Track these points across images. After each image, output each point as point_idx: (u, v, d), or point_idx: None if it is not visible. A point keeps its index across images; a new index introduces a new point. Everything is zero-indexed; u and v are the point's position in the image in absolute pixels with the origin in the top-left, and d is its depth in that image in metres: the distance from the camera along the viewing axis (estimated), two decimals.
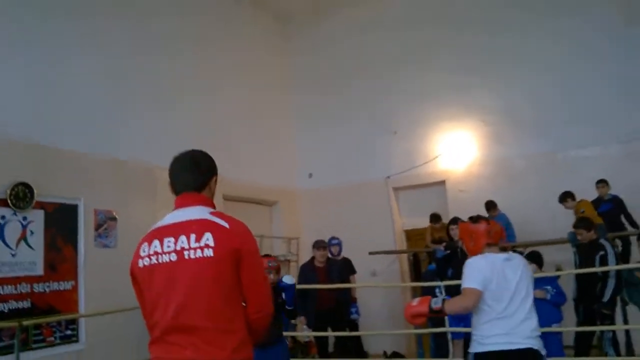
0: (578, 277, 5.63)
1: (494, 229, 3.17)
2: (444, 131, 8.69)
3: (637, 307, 5.59)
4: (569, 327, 5.52)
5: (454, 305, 2.96)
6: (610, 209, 6.84)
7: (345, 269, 6.74)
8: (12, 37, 5.29)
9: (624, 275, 5.38)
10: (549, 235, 7.13)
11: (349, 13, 9.58)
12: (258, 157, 8.52)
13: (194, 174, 1.99)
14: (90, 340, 5.40)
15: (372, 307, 7.65)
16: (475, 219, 3.24)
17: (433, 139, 8.78)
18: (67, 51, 5.78)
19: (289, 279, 4.15)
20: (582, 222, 5.69)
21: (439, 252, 6.24)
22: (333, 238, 6.93)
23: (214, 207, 1.99)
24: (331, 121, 9.39)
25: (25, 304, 4.97)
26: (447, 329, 5.30)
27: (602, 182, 6.99)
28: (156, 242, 1.88)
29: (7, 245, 4.94)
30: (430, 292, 5.72)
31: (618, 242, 6.64)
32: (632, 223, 6.79)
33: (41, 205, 5.25)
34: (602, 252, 5.34)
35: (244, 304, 1.90)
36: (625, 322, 5.75)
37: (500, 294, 2.87)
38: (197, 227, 1.85)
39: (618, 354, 5.23)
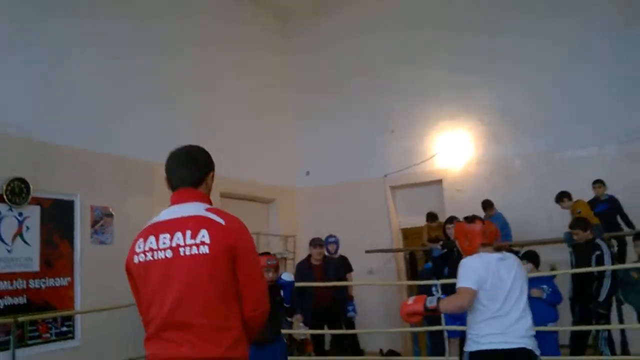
0: (574, 276, 5.64)
1: (489, 229, 3.18)
2: (441, 130, 8.70)
3: (633, 306, 5.61)
4: (564, 326, 5.53)
5: (448, 304, 2.98)
6: (606, 209, 6.85)
7: (341, 267, 6.74)
8: (12, 35, 5.28)
9: (620, 275, 5.39)
10: (545, 235, 7.14)
11: (348, 12, 9.57)
12: (256, 155, 8.52)
13: (190, 169, 1.98)
14: (86, 337, 5.39)
15: (368, 305, 7.66)
16: (470, 219, 3.25)
17: (430, 138, 8.78)
18: (65, 48, 5.77)
19: (287, 276, 4.14)
20: (578, 223, 5.70)
21: (435, 251, 6.25)
22: (330, 236, 6.93)
23: (210, 203, 1.98)
24: (329, 120, 9.39)
25: (21, 300, 4.96)
26: (444, 327, 5.31)
27: (598, 183, 7.00)
28: (152, 239, 1.87)
29: (3, 241, 4.93)
30: (426, 290, 5.72)
31: (614, 242, 6.66)
32: (628, 223, 6.81)
33: (37, 201, 5.24)
34: (598, 252, 5.35)
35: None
36: (621, 321, 5.78)
37: (495, 293, 2.88)
38: (193, 224, 1.84)
39: (613, 354, 5.25)
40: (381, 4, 9.34)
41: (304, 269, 6.36)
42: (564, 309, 5.55)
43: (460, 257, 3.24)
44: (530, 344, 2.86)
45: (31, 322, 4.97)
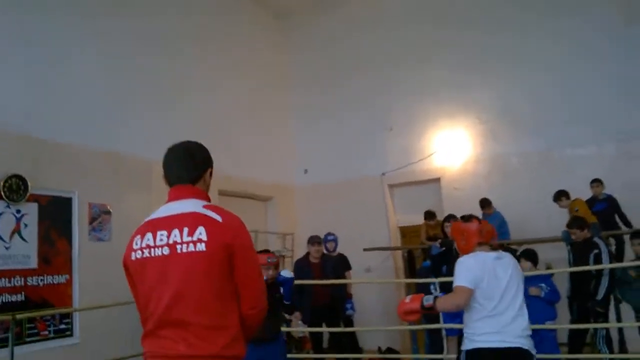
0: (572, 275, 5.66)
1: (486, 228, 3.21)
2: (439, 128, 8.71)
3: (631, 305, 5.62)
4: (563, 324, 5.55)
5: (445, 303, 3.00)
6: (604, 208, 6.87)
7: (340, 265, 6.73)
8: (12, 33, 5.25)
9: (617, 274, 5.40)
10: (543, 233, 7.16)
11: (347, 10, 9.57)
12: (254, 153, 8.52)
13: (188, 165, 1.96)
14: (85, 335, 5.38)
15: (366, 303, 7.67)
16: (467, 218, 3.29)
17: (429, 136, 8.79)
18: (65, 46, 5.75)
19: (287, 273, 4.14)
20: (575, 222, 5.71)
21: (434, 249, 6.25)
22: (329, 234, 6.93)
23: (208, 199, 1.97)
24: (328, 118, 9.40)
25: (19, 297, 4.94)
26: (442, 325, 5.31)
27: (596, 182, 7.01)
28: (149, 235, 1.86)
29: (1, 238, 4.90)
30: (424, 288, 5.73)
31: (612, 241, 6.67)
32: (626, 223, 6.82)
33: (35, 198, 5.22)
34: (596, 251, 5.36)
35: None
36: (619, 320, 5.80)
37: (491, 292, 2.90)
38: (190, 221, 1.82)
39: (611, 352, 5.26)
40: (380, 3, 9.35)
41: (303, 267, 6.36)
42: (562, 308, 5.57)
43: (458, 255, 3.25)
44: (527, 344, 2.88)
45: (29, 320, 4.94)
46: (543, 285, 5.19)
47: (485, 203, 7.56)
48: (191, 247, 1.79)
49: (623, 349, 5.82)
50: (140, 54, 6.64)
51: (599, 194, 6.99)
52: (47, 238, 5.29)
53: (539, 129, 7.92)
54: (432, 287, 5.61)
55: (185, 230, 1.81)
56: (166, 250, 1.81)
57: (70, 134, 5.63)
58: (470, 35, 8.37)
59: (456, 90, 8.49)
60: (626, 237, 6.67)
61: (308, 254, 6.49)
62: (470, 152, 8.50)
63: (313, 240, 6.43)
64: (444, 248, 5.83)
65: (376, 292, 8.25)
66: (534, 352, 2.91)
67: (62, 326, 5.29)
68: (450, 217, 5.93)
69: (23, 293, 4.98)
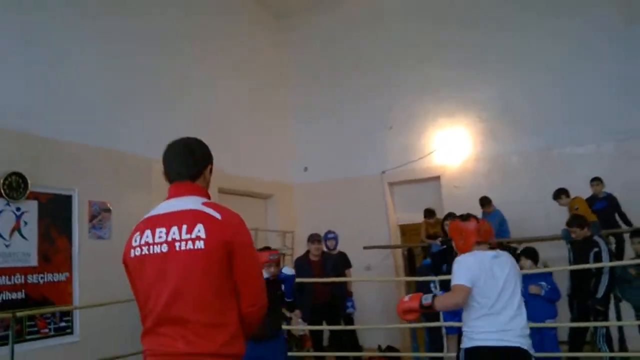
0: (572, 273, 5.66)
1: (484, 227, 3.23)
2: (439, 127, 8.72)
3: (630, 303, 5.62)
4: (563, 323, 5.55)
5: (444, 302, 3.02)
6: (604, 207, 6.88)
7: (340, 263, 6.73)
8: (12, 32, 5.23)
9: (617, 272, 5.40)
10: (543, 232, 7.18)
11: (347, 10, 9.57)
12: (254, 151, 8.52)
13: (187, 162, 1.95)
14: (85, 332, 5.37)
15: (366, 301, 7.68)
16: (465, 217, 3.29)
17: (428, 135, 8.80)
18: (65, 46, 5.73)
19: (288, 270, 4.13)
20: (575, 220, 5.71)
21: (434, 247, 6.26)
22: (329, 232, 6.93)
23: (208, 197, 1.96)
24: (328, 116, 9.39)
25: (20, 295, 4.93)
26: (442, 323, 5.32)
27: (596, 180, 7.02)
28: (148, 232, 1.86)
29: (1, 236, 4.88)
30: (424, 286, 5.74)
31: (612, 240, 6.68)
32: (626, 221, 6.83)
33: (35, 196, 5.20)
34: (596, 249, 5.36)
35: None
36: (619, 318, 5.80)
37: (488, 290, 2.92)
38: (189, 218, 1.82)
39: (611, 350, 5.27)
40: (380, 2, 9.38)
41: (303, 265, 6.36)
42: (562, 306, 5.57)
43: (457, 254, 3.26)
44: (525, 344, 2.89)
45: (30, 318, 4.93)
46: (543, 283, 5.20)
47: (485, 201, 7.57)
48: (190, 245, 1.78)
49: (623, 347, 5.83)
50: (140, 54, 6.63)
51: (599, 192, 7.00)
52: (47, 236, 5.28)
53: (539, 128, 7.93)
54: (432, 285, 5.61)
55: (184, 227, 1.80)
56: (165, 248, 1.81)
57: (71, 132, 5.62)
58: (470, 34, 8.37)
59: (456, 89, 8.49)
60: (626, 236, 6.68)
61: (308, 252, 6.49)
62: (470, 150, 8.50)
63: (313, 239, 6.43)
64: (444, 246, 5.83)
65: (376, 290, 8.26)
66: (532, 351, 2.92)
67: (63, 324, 5.28)
68: (450, 216, 5.93)
69: (23, 291, 4.97)
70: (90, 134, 5.84)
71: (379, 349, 7.64)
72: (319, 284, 6.05)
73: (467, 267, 2.97)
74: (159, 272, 1.81)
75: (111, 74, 6.21)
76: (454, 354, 5.15)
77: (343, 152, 9.21)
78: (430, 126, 8.78)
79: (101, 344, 5.26)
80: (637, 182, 7.03)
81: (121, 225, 5.81)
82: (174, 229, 1.82)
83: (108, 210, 5.94)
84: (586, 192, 7.02)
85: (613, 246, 6.59)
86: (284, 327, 5.10)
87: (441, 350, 5.46)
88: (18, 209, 5.05)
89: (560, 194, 6.95)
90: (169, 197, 1.94)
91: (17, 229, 5.02)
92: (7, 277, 4.86)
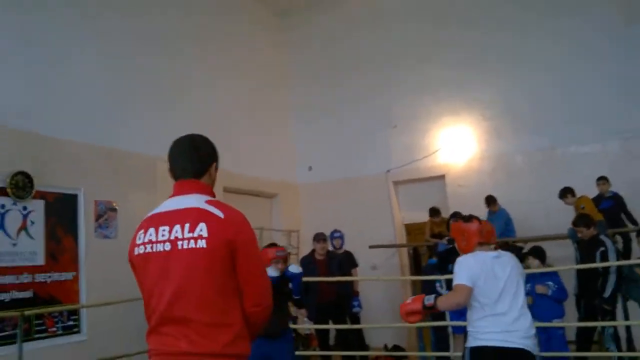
0: (579, 273, 5.65)
1: (486, 228, 3.25)
2: (443, 126, 8.71)
3: (637, 303, 5.61)
4: (570, 322, 5.54)
5: (446, 302, 3.03)
6: (610, 206, 6.86)
7: (346, 262, 6.73)
8: (14, 32, 5.23)
9: (624, 272, 5.39)
10: (546, 231, 7.17)
11: (348, 9, 9.57)
12: (258, 150, 8.52)
13: (192, 159, 1.94)
14: (92, 331, 5.38)
15: (372, 300, 7.67)
16: (467, 218, 3.31)
17: (433, 134, 8.79)
18: (66, 45, 5.73)
19: (294, 268, 4.13)
20: (581, 220, 5.69)
21: (441, 246, 6.24)
22: (335, 231, 6.93)
23: (213, 195, 1.94)
24: (331, 115, 9.38)
25: (27, 294, 4.94)
26: (448, 322, 5.31)
27: (602, 179, 6.99)
28: (151, 230, 1.85)
29: (8, 235, 4.89)
30: (430, 285, 5.73)
31: (619, 239, 6.66)
32: (633, 221, 6.82)
33: (41, 195, 5.20)
34: (602, 248, 5.35)
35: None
36: (626, 317, 5.78)
37: (489, 290, 2.93)
38: (192, 217, 1.80)
39: (619, 350, 5.26)
40: (381, 1, 9.40)
41: (308, 264, 6.34)
42: (570, 305, 5.56)
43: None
44: (530, 345, 2.89)
45: (38, 316, 4.94)
46: (550, 283, 5.18)
47: (490, 200, 7.56)
48: (192, 244, 1.77)
49: (631, 346, 5.82)
50: (141, 53, 6.63)
51: (605, 191, 6.98)
52: (54, 235, 5.28)
53: (543, 127, 7.93)
54: (438, 284, 5.60)
55: (187, 226, 1.79)
56: (168, 246, 1.80)
57: (75, 131, 5.62)
58: (471, 32, 8.37)
59: (459, 88, 8.49)
60: (633, 235, 6.67)
61: (313, 251, 6.48)
62: (475, 149, 8.50)
63: (318, 238, 6.42)
64: (451, 245, 5.81)
65: (382, 289, 8.25)
66: (536, 351, 2.93)
67: (70, 323, 5.28)
68: (456, 215, 5.92)
69: (32, 290, 4.98)
70: (94, 133, 5.84)
71: (385, 348, 7.63)
72: (324, 283, 6.04)
73: (468, 267, 2.99)
74: (161, 270, 1.80)
75: (113, 74, 6.21)
76: (460, 354, 5.16)
77: (347, 152, 9.20)
78: (434, 125, 8.77)
79: (108, 343, 5.27)
80: None
81: (127, 224, 5.82)
82: (177, 227, 1.80)
83: (114, 210, 5.95)
84: (589, 191, 7.00)
85: (620, 245, 6.57)
86: (291, 326, 5.10)
87: (447, 350, 5.45)
88: (24, 208, 5.06)
89: (566, 193, 6.94)
90: (174, 195, 1.93)
91: (23, 228, 5.03)
92: (15, 276, 4.87)
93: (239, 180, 7.81)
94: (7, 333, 4.67)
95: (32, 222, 5.11)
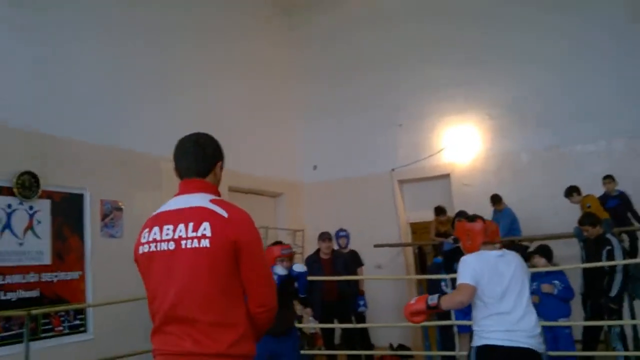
0: (585, 272, 5.63)
1: (490, 227, 3.26)
2: (448, 124, 8.68)
3: None
4: (576, 321, 5.52)
5: (449, 301, 3.03)
6: (617, 204, 6.83)
7: (351, 261, 6.72)
8: (20, 31, 5.25)
9: (631, 271, 5.37)
10: (551, 229, 7.14)
11: (353, 5, 9.54)
12: (263, 150, 8.52)
13: (197, 158, 1.93)
14: (98, 330, 5.40)
15: (378, 299, 7.65)
16: (471, 218, 3.31)
17: (438, 132, 8.76)
18: (72, 42, 5.74)
19: (299, 267, 4.13)
20: (587, 219, 5.67)
21: (446, 245, 6.23)
22: (340, 230, 6.92)
23: (217, 194, 1.93)
24: (336, 114, 9.37)
25: (34, 293, 4.96)
26: (453, 322, 5.30)
27: (608, 178, 6.96)
28: (156, 229, 1.84)
29: (15, 235, 4.92)
30: (435, 285, 5.72)
31: (625, 237, 6.63)
32: (639, 219, 6.78)
33: (48, 195, 5.23)
34: (608, 247, 5.33)
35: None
36: (633, 317, 5.75)
37: (493, 289, 2.94)
38: (196, 216, 1.80)
39: (626, 349, 5.23)
40: None
41: (313, 263, 6.34)
42: (576, 305, 5.54)
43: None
44: (536, 345, 2.89)
45: (44, 316, 4.97)
46: (556, 282, 5.16)
47: (496, 199, 7.53)
48: (195, 243, 1.76)
49: (637, 346, 5.77)
50: (146, 53, 6.64)
51: (612, 190, 6.94)
52: (60, 234, 5.31)
53: (548, 125, 7.89)
54: (443, 283, 5.59)
55: (191, 225, 1.79)
56: (172, 245, 1.79)
57: (81, 131, 5.64)
58: (477, 30, 8.35)
59: (464, 87, 8.46)
60: (639, 233, 6.64)
61: (318, 250, 6.47)
62: (480, 148, 8.47)
63: (323, 237, 6.41)
64: (457, 244, 5.80)
65: (387, 288, 8.22)
66: (542, 351, 2.93)
67: (76, 322, 5.31)
68: (461, 214, 5.91)
69: (38, 289, 5.01)
70: (100, 133, 5.86)
71: (391, 347, 7.63)
72: (330, 282, 6.04)
73: (471, 266, 3.00)
74: (165, 269, 1.80)
75: (118, 74, 6.22)
76: (465, 353, 5.15)
77: (352, 151, 9.19)
78: (439, 124, 8.74)
79: (115, 342, 5.28)
80: None
81: (133, 223, 5.83)
82: (181, 226, 1.80)
83: (120, 209, 5.97)
84: (595, 189, 6.97)
85: (626, 244, 6.54)
86: (296, 325, 5.10)
87: (453, 349, 5.44)
88: (31, 207, 5.09)
89: (572, 191, 6.91)
90: (179, 194, 1.93)
91: (30, 227, 5.06)
92: (22, 275, 4.89)
93: (244, 179, 7.82)
94: (14, 332, 4.70)
95: (39, 222, 5.13)
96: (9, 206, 4.92)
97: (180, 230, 1.79)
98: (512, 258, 3.09)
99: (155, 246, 1.82)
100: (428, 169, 8.77)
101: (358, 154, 9.13)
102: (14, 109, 5.07)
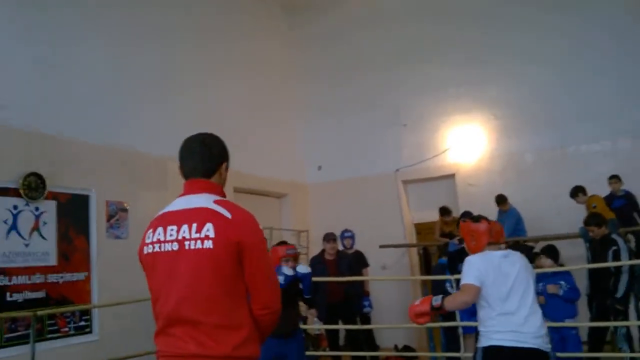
0: (591, 272, 5.60)
1: (495, 228, 3.26)
2: (453, 124, 8.67)
3: None
4: (582, 322, 5.49)
5: (453, 302, 3.04)
6: (623, 204, 6.81)
7: (356, 262, 6.71)
8: (22, 30, 5.26)
9: (637, 271, 5.34)
10: (557, 230, 7.12)
11: (357, 4, 9.53)
12: (268, 150, 8.53)
13: (203, 158, 1.92)
14: (104, 331, 5.42)
15: (382, 300, 7.65)
16: (476, 219, 3.31)
17: (443, 132, 8.75)
18: (76, 43, 5.75)
19: (303, 268, 4.12)
20: (592, 219, 5.65)
21: (452, 245, 6.20)
22: (346, 231, 6.92)
23: (222, 194, 1.92)
24: (341, 114, 9.37)
25: (40, 294, 4.98)
26: (458, 323, 5.28)
27: (614, 178, 6.94)
28: (160, 230, 1.84)
29: (21, 236, 4.94)
30: (440, 285, 5.71)
31: (631, 238, 6.59)
32: None
33: (53, 196, 5.25)
34: (614, 248, 5.31)
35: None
36: (639, 317, 5.72)
37: (497, 289, 2.94)
38: (200, 217, 1.79)
39: (632, 350, 5.21)
40: None
41: (317, 264, 6.34)
42: (581, 305, 5.51)
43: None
44: (543, 345, 2.88)
45: (50, 316, 4.99)
46: (562, 282, 5.12)
47: (501, 199, 7.51)
48: (198, 244, 1.75)
49: None
50: (151, 54, 6.66)
51: (617, 190, 6.92)
52: (66, 235, 5.32)
53: (553, 125, 7.87)
54: (448, 284, 5.57)
55: (194, 226, 1.78)
56: (175, 246, 1.79)
57: (86, 132, 5.66)
58: (482, 30, 8.34)
59: (469, 87, 8.45)
60: None
61: (323, 251, 6.47)
62: (485, 148, 8.45)
63: (328, 238, 6.41)
64: (462, 245, 5.79)
65: (392, 289, 8.22)
66: (550, 350, 2.92)
67: (82, 323, 5.32)
68: (467, 214, 5.89)
69: (44, 290, 5.03)
70: (105, 134, 5.87)
71: (396, 348, 7.62)
72: (334, 283, 6.04)
73: (475, 267, 3.00)
74: (169, 270, 1.79)
75: (123, 75, 6.23)
76: (470, 354, 5.14)
77: (356, 151, 9.18)
78: (444, 124, 8.73)
79: (120, 343, 5.30)
80: None
81: (138, 224, 5.84)
82: (185, 227, 1.79)
83: (125, 210, 5.99)
84: (600, 189, 6.94)
85: (632, 244, 6.50)
86: (300, 326, 5.10)
87: (458, 350, 5.43)
88: (37, 209, 5.11)
89: (577, 192, 6.89)
90: (183, 194, 1.92)
91: (36, 228, 5.08)
92: (28, 276, 4.91)
93: (248, 180, 7.83)
94: (20, 333, 4.71)
95: (45, 223, 5.15)
96: (15, 207, 4.94)
97: (184, 231, 1.78)
98: (517, 258, 3.09)
99: (159, 247, 1.81)
100: (433, 169, 8.75)
101: (362, 155, 9.12)
102: (19, 110, 5.09)
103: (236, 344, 1.74)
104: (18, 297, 4.81)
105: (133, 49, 6.41)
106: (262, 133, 8.44)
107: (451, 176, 8.65)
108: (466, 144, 8.51)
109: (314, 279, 5.69)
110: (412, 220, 9.10)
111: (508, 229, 6.99)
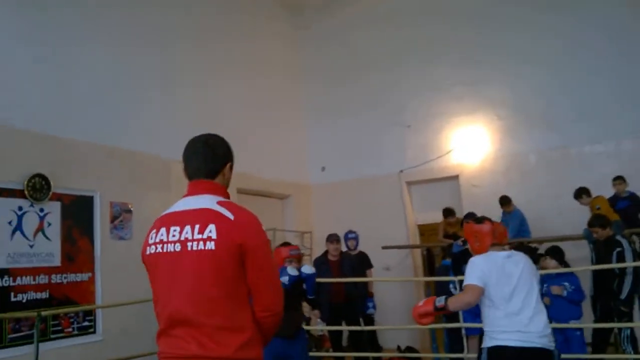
0: (595, 274, 5.58)
1: (498, 229, 3.27)
2: (457, 125, 8.65)
3: None
4: (586, 324, 5.47)
5: (456, 302, 3.04)
6: (627, 206, 6.76)
7: (360, 263, 6.71)
8: (25, 31, 5.29)
9: None
10: (561, 231, 7.09)
11: (362, 4, 9.53)
12: (271, 151, 8.53)
13: (207, 159, 1.91)
14: (107, 332, 5.44)
15: (386, 302, 7.64)
16: (479, 220, 3.31)
17: (446, 133, 8.73)
18: (76, 43, 5.77)
19: (307, 268, 4.13)
20: (596, 220, 5.63)
21: (455, 247, 6.19)
22: (350, 232, 6.92)
23: (226, 195, 1.91)
24: (344, 115, 9.37)
25: (44, 294, 5.01)
26: (462, 324, 5.27)
27: (619, 179, 6.89)
28: (163, 230, 1.83)
29: (25, 236, 4.97)
30: (444, 286, 5.70)
31: (635, 239, 6.56)
32: None
33: (58, 197, 5.28)
34: (619, 249, 5.29)
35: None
36: None
37: (501, 290, 2.94)
38: (202, 218, 1.78)
39: (636, 352, 5.18)
40: None
41: (321, 265, 6.34)
42: (585, 307, 5.49)
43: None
44: (548, 344, 2.88)
45: (54, 317, 5.01)
46: (566, 284, 5.10)
47: (505, 201, 7.49)
48: (201, 245, 1.74)
49: None
50: (155, 55, 6.68)
51: (622, 191, 6.88)
52: (70, 236, 5.35)
53: (557, 126, 7.84)
54: (451, 285, 5.57)
55: (197, 227, 1.77)
56: (178, 247, 1.78)
57: (91, 134, 5.69)
58: (485, 31, 8.33)
59: (473, 88, 8.43)
60: None
61: (327, 252, 6.47)
62: (489, 149, 8.43)
63: (331, 239, 6.40)
64: (466, 246, 5.78)
65: (396, 290, 8.21)
66: (555, 350, 2.91)
67: (86, 323, 5.35)
68: (470, 216, 5.88)
69: (47, 291, 5.05)
70: (110, 135, 5.90)
71: (399, 349, 7.60)
72: (337, 284, 6.03)
73: (478, 267, 3.01)
74: (171, 271, 1.78)
75: (128, 77, 6.26)
76: (474, 355, 5.13)
77: (360, 152, 9.18)
78: (448, 125, 8.71)
79: (123, 343, 5.31)
80: None
81: (142, 225, 5.86)
82: (187, 228, 1.78)
83: (129, 211, 6.01)
84: (604, 190, 6.91)
85: (637, 246, 6.47)
86: (304, 326, 5.10)
87: (461, 351, 5.42)
88: (41, 210, 5.13)
89: (581, 193, 6.86)
90: (187, 195, 1.91)
91: (40, 229, 5.11)
92: (32, 277, 4.94)
93: (252, 181, 7.84)
94: (24, 333, 4.75)
95: (49, 224, 5.18)
96: (20, 208, 4.97)
97: (187, 232, 1.77)
98: (520, 259, 3.09)
99: (162, 247, 1.81)
100: (436, 170, 8.74)
101: (366, 156, 9.12)
102: (24, 112, 5.12)
103: (238, 346, 1.72)
104: (22, 297, 4.84)
105: (133, 49, 6.43)
106: (265, 134, 8.45)
107: (455, 177, 8.63)
108: (470, 145, 8.49)
109: (318, 280, 5.73)
110: (416, 222, 9.08)
111: (512, 231, 6.98)
